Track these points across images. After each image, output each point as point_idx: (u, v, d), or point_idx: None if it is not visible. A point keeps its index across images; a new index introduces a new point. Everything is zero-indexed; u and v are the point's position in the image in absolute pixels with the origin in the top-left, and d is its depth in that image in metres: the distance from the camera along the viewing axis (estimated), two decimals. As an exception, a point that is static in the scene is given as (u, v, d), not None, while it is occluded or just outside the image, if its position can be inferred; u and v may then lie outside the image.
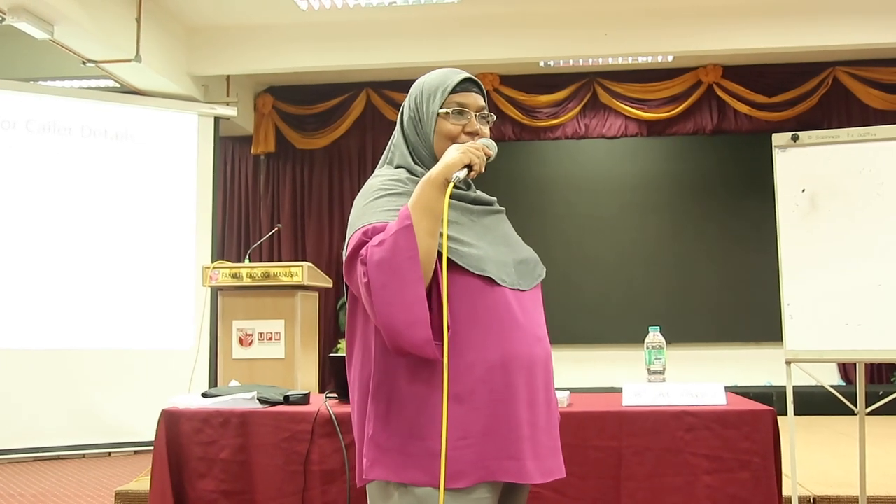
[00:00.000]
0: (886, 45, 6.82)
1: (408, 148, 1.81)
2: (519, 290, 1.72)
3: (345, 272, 1.66)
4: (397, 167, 1.81)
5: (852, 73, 7.60)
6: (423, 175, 1.71)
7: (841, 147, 3.31)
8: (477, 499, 1.62)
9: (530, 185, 8.01)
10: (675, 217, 8.13)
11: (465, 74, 1.80)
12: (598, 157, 8.28)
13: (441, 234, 1.60)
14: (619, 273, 8.06)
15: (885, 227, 3.19)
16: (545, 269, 1.84)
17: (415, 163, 1.79)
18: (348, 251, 1.63)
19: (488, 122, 1.81)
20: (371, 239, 1.59)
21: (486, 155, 1.70)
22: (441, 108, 1.76)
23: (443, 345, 1.55)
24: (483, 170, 1.68)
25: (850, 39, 6.75)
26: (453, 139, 1.75)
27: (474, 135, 1.77)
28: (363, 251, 1.58)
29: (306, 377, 4.78)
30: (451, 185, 1.62)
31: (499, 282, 1.68)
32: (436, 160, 1.73)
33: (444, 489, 1.57)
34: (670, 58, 7.44)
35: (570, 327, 7.60)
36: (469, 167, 1.65)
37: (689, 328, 7.67)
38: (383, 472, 1.65)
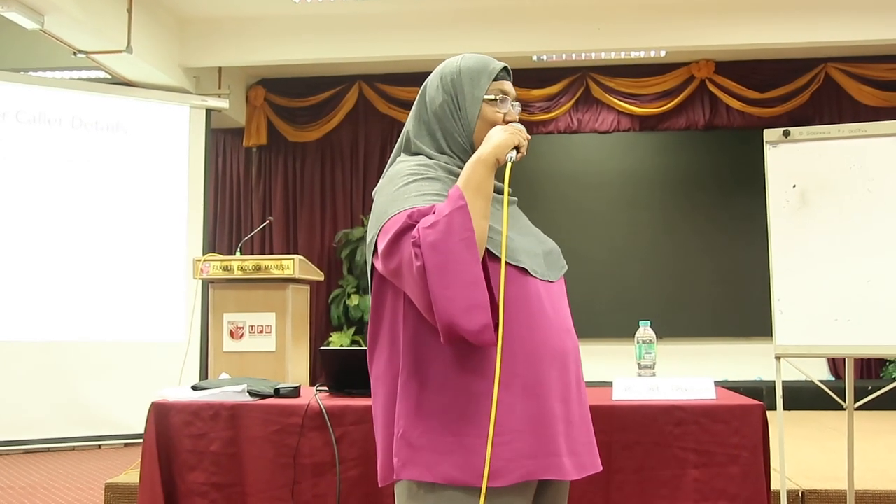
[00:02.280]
0: (878, 42, 6.84)
1: (436, 134, 1.72)
2: (548, 281, 1.67)
3: (383, 257, 1.55)
4: (414, 154, 1.73)
5: (844, 70, 7.63)
6: (446, 163, 1.68)
7: (832, 143, 3.31)
8: (515, 497, 1.55)
9: (522, 179, 7.95)
10: (666, 212, 8.14)
11: (503, 63, 1.77)
12: (590, 151, 8.28)
13: (496, 224, 1.55)
14: (610, 267, 8.07)
15: (874, 223, 3.20)
16: (566, 263, 1.79)
17: (442, 149, 1.72)
18: (392, 233, 1.52)
19: (517, 112, 1.78)
20: (417, 222, 1.50)
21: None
22: (486, 94, 1.71)
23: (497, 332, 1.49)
24: (525, 153, 1.64)
25: (842, 36, 6.77)
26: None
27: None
28: (415, 233, 1.48)
29: (297, 370, 4.77)
30: (510, 165, 1.58)
31: (532, 273, 1.63)
32: (473, 147, 1.69)
33: (479, 489, 1.50)
34: (663, 53, 7.45)
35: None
36: (517, 149, 1.62)
37: (680, 323, 7.70)
38: (416, 472, 1.56)
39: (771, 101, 7.70)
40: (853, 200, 3.24)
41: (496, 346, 1.49)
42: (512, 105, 1.75)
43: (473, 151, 1.66)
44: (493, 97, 1.72)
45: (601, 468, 1.70)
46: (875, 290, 3.17)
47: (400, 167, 1.68)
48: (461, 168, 1.66)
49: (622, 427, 2.60)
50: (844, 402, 3.41)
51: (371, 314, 1.71)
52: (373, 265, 1.65)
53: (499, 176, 1.66)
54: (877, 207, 3.21)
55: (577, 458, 1.63)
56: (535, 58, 7.63)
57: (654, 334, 2.97)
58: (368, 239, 1.65)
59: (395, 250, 1.52)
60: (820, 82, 7.68)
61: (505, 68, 1.77)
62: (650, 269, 8.03)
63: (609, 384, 2.78)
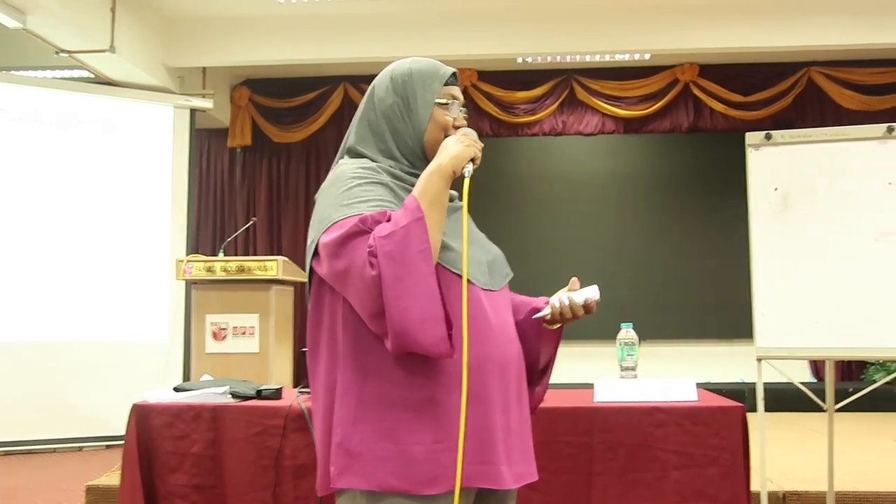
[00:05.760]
0: (860, 47, 6.91)
1: (385, 135, 1.71)
2: (490, 290, 1.68)
3: (330, 258, 1.54)
4: (357, 157, 1.72)
5: (826, 74, 7.68)
6: (391, 167, 1.68)
7: (814, 146, 3.34)
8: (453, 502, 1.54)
9: (507, 182, 8.00)
10: (650, 214, 8.17)
11: (452, 68, 1.77)
12: (574, 153, 8.30)
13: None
14: (593, 269, 8.05)
15: (855, 227, 3.23)
16: (511, 270, 1.80)
17: (390, 151, 1.70)
18: (340, 235, 1.52)
19: (464, 117, 1.78)
20: (371, 229, 1.50)
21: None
22: (437, 97, 1.71)
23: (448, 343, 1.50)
24: (478, 164, 1.65)
25: (825, 40, 6.83)
26: (446, 131, 1.70)
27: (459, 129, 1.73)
28: (371, 242, 1.48)
29: (280, 372, 4.76)
30: (468, 179, 1.60)
31: (473, 281, 1.62)
32: (423, 150, 1.69)
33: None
34: (647, 56, 7.48)
35: (546, 323, 7.61)
36: (472, 161, 1.63)
37: (663, 325, 7.72)
38: (354, 480, 1.55)
39: (754, 105, 7.75)
40: (834, 203, 3.27)
41: (451, 357, 1.50)
42: (460, 110, 1.76)
43: (423, 154, 1.69)
44: (444, 101, 1.72)
45: (537, 477, 1.69)
46: (855, 292, 3.19)
47: (342, 169, 1.67)
48: (405, 172, 1.68)
49: (604, 429, 2.61)
50: (825, 403, 3.44)
51: (309, 319, 1.69)
52: (312, 268, 1.64)
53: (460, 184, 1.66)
54: (857, 210, 3.24)
55: (514, 466, 1.63)
56: (519, 59, 7.65)
57: (636, 336, 2.98)
58: (309, 241, 1.64)
59: (344, 252, 1.52)
60: (803, 86, 7.74)
61: (454, 73, 1.77)
62: (633, 271, 8.05)
63: (591, 386, 2.78)
